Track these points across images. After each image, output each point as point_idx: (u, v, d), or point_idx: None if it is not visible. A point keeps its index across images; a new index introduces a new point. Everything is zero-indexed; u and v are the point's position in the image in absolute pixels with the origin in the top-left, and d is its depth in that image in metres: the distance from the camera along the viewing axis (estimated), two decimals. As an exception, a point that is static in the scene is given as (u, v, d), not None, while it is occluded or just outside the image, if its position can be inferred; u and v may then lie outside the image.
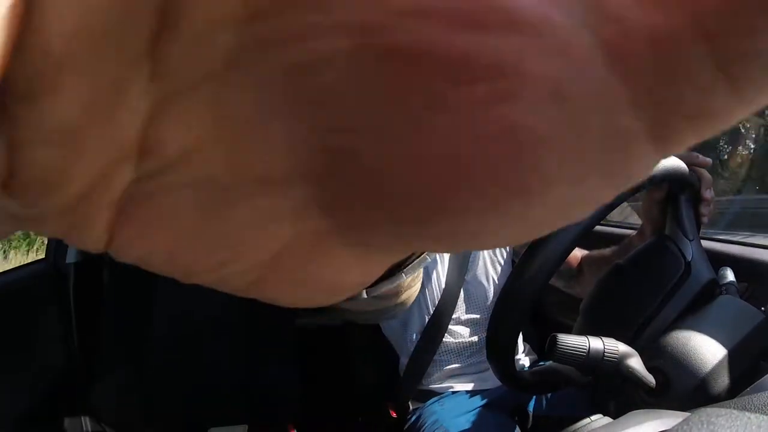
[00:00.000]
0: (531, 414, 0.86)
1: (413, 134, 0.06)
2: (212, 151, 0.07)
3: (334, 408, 1.13)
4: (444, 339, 0.90)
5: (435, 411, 0.84)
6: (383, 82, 0.06)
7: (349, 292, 0.10)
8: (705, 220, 0.59)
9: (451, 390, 0.89)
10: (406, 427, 0.88)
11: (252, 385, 1.07)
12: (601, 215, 0.45)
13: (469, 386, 0.89)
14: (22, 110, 0.06)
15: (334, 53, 0.06)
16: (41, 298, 1.10)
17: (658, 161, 0.07)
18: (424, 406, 0.86)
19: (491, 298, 0.92)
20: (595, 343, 0.46)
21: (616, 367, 0.46)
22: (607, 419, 0.51)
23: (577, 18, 0.06)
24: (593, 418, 0.64)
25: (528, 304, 0.46)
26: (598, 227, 0.46)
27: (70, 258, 1.18)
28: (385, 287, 0.22)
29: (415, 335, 0.91)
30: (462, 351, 0.90)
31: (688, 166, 0.54)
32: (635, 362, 0.46)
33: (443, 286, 0.90)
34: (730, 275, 0.56)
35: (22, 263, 1.21)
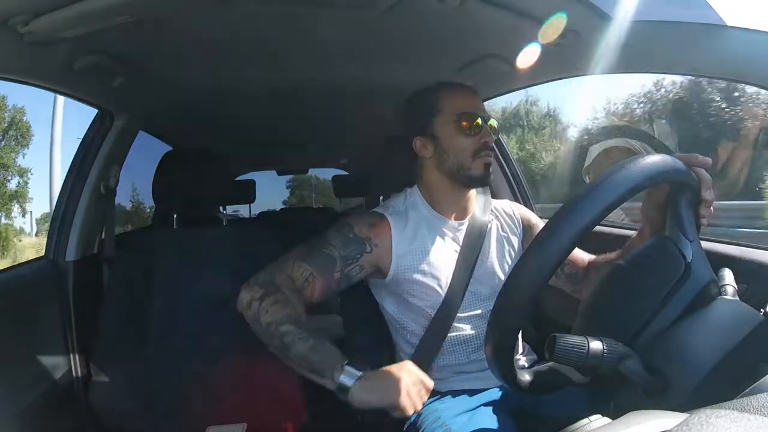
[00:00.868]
0: (531, 415, 0.86)
1: None
2: None
3: (334, 407, 1.13)
4: (448, 334, 0.89)
5: (436, 409, 0.84)
6: None
7: None
8: (705, 221, 0.59)
9: (452, 389, 0.89)
10: (407, 425, 0.88)
11: (251, 384, 1.07)
12: (601, 215, 0.45)
13: (470, 385, 0.89)
14: None
15: None
16: (41, 295, 1.10)
17: None
18: (424, 405, 0.86)
19: (493, 292, 0.92)
20: (595, 344, 0.46)
21: (615, 367, 0.46)
22: (606, 420, 0.52)
23: None
24: (592, 418, 0.64)
25: (527, 304, 0.46)
26: (598, 227, 0.46)
27: (70, 256, 1.18)
28: None
29: (419, 330, 0.91)
30: (464, 347, 0.90)
31: (687, 167, 0.54)
32: (635, 363, 0.46)
33: (449, 282, 0.89)
34: (729, 276, 0.56)
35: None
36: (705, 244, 0.66)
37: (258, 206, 3.07)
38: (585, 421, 0.51)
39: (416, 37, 1.06)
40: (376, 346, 0.98)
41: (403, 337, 0.93)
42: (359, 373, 0.68)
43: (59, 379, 1.08)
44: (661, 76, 7.52)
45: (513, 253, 0.98)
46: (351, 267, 0.85)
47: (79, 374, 1.12)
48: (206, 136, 2.03)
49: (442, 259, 0.90)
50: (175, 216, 1.32)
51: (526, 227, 1.01)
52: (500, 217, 1.00)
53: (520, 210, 1.04)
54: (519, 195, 1.59)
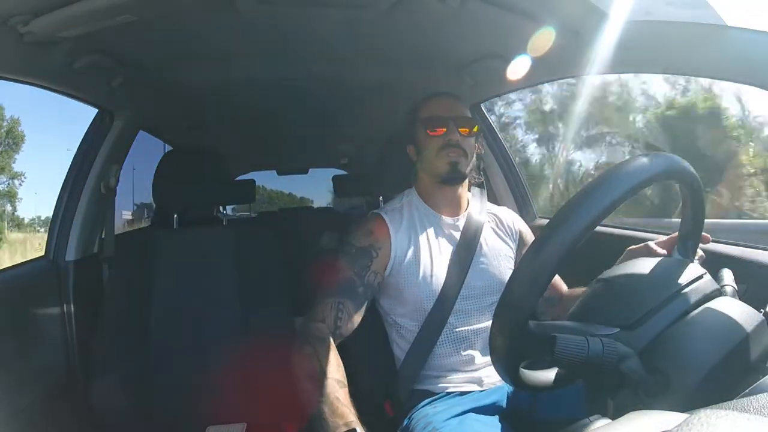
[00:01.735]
0: (525, 418, 0.86)
1: None
2: None
3: None
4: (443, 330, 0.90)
5: (426, 414, 0.84)
6: None
7: None
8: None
9: (446, 390, 0.89)
10: (399, 430, 0.88)
11: (251, 384, 1.07)
12: (602, 215, 0.45)
13: (464, 387, 0.89)
14: None
15: None
16: (41, 295, 1.10)
17: None
18: (416, 409, 0.86)
19: (489, 291, 0.93)
20: (595, 344, 0.46)
21: (615, 367, 0.46)
22: (606, 420, 0.51)
23: None
24: (592, 418, 0.64)
25: (532, 303, 0.46)
26: (598, 227, 0.46)
27: (70, 256, 1.18)
28: None
29: (414, 327, 0.91)
30: (457, 344, 0.91)
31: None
32: (635, 362, 0.46)
33: (445, 276, 0.91)
34: (729, 276, 0.56)
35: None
36: (705, 244, 0.66)
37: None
38: (584, 421, 0.51)
39: (417, 37, 1.06)
40: (373, 344, 0.98)
41: (398, 333, 0.94)
42: None
43: (59, 378, 1.08)
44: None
45: (510, 255, 1.00)
46: (366, 276, 0.89)
47: (79, 374, 1.12)
48: (206, 136, 2.03)
49: (438, 252, 0.92)
50: (175, 216, 1.32)
51: (521, 241, 1.03)
52: (497, 221, 1.02)
53: (518, 223, 1.06)
54: (520, 198, 1.59)
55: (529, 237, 1.05)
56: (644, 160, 0.48)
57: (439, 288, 0.90)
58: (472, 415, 0.83)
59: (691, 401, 0.39)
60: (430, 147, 0.94)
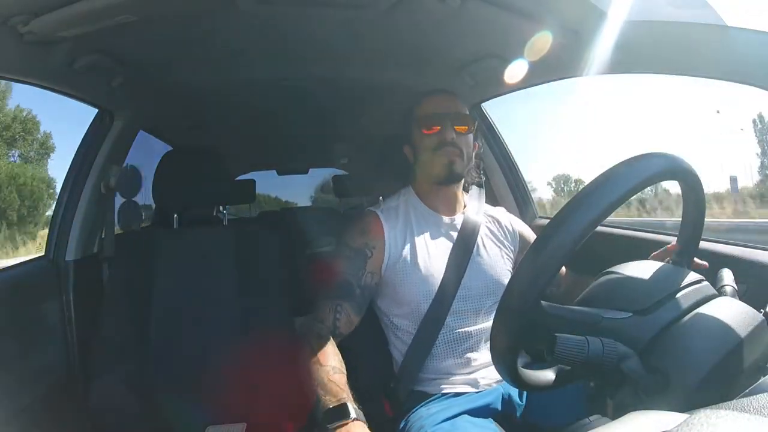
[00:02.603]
0: (519, 420, 0.86)
1: None
2: None
3: None
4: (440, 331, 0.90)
5: (421, 416, 0.84)
6: None
7: None
8: None
9: (443, 392, 0.89)
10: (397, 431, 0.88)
11: (251, 384, 1.07)
12: (603, 215, 0.45)
13: (460, 388, 0.89)
14: None
15: None
16: (41, 295, 1.10)
17: None
18: (412, 411, 0.86)
19: (486, 292, 0.93)
20: (595, 343, 0.46)
21: (615, 367, 0.46)
22: (606, 420, 0.51)
23: None
24: (592, 418, 0.64)
25: (533, 302, 0.46)
26: (599, 228, 0.46)
27: (70, 256, 1.18)
28: None
29: (411, 327, 0.91)
30: (454, 345, 0.90)
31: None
32: (635, 362, 0.46)
33: (442, 275, 0.90)
34: (729, 276, 0.56)
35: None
36: (705, 244, 0.66)
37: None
38: (584, 420, 0.52)
39: (417, 37, 1.06)
40: (372, 346, 0.98)
41: (396, 335, 0.94)
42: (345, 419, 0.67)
43: (59, 378, 1.08)
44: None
45: (509, 256, 1.00)
46: (363, 278, 0.89)
47: (79, 374, 1.12)
48: (206, 136, 2.03)
49: (435, 250, 0.92)
50: (175, 216, 1.32)
51: (522, 241, 1.03)
52: (494, 222, 1.02)
53: (516, 224, 1.06)
54: (520, 198, 1.58)
55: (530, 235, 1.05)
56: (645, 159, 0.48)
57: (436, 288, 0.90)
58: (466, 416, 0.83)
59: (691, 401, 0.39)
60: (425, 146, 0.93)
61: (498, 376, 0.77)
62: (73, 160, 1.27)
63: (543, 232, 0.46)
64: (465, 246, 0.94)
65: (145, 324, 1.16)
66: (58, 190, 1.28)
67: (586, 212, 0.44)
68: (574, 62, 0.96)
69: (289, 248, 1.47)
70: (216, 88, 1.38)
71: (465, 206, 0.99)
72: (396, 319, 0.93)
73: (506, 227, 1.03)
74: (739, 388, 0.42)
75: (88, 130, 1.29)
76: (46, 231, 1.24)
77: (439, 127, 0.92)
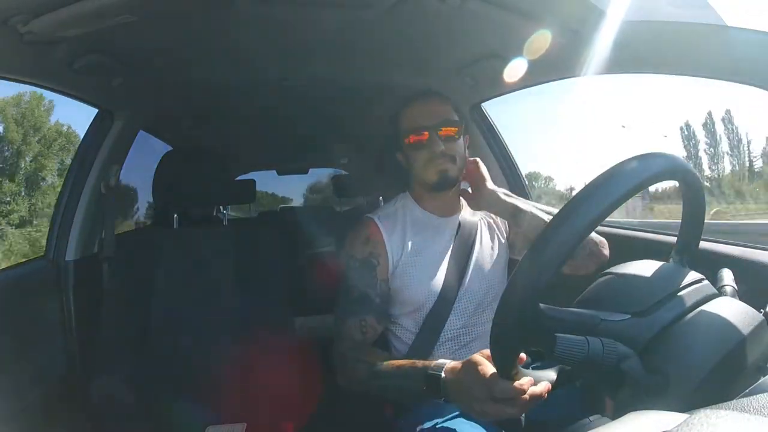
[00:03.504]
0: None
1: None
2: None
3: (332, 407, 1.13)
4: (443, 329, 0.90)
5: (418, 415, 0.84)
6: None
7: None
8: None
9: None
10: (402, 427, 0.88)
11: (251, 384, 1.07)
12: (603, 215, 0.45)
13: None
14: None
15: None
16: (41, 295, 1.10)
17: None
18: (411, 413, 0.86)
19: (486, 291, 0.93)
20: (595, 343, 0.46)
21: (615, 367, 0.45)
22: (606, 420, 0.51)
23: None
24: (592, 418, 0.64)
25: (532, 302, 0.46)
26: (599, 227, 0.46)
27: (70, 256, 1.18)
28: None
29: (413, 327, 0.92)
30: (453, 342, 0.91)
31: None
32: (635, 362, 0.46)
33: (444, 276, 0.91)
34: (729, 276, 0.56)
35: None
36: (705, 244, 0.66)
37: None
38: (584, 420, 0.51)
39: (417, 37, 1.06)
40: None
41: (395, 335, 0.94)
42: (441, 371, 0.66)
43: (59, 378, 1.08)
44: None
45: (506, 256, 1.00)
46: (377, 287, 0.90)
47: (80, 374, 1.12)
48: (206, 136, 2.03)
49: (436, 252, 0.93)
50: (175, 216, 1.32)
51: (510, 238, 1.02)
52: (493, 222, 1.03)
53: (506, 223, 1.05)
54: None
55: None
56: (646, 159, 0.48)
57: (439, 288, 0.90)
58: (463, 416, 0.82)
59: (691, 401, 0.39)
60: (416, 158, 0.93)
61: None
62: (73, 160, 1.27)
63: (543, 231, 0.46)
64: (464, 246, 0.94)
65: (145, 324, 1.16)
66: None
67: (586, 212, 0.44)
68: (574, 62, 0.96)
69: (289, 248, 1.47)
70: (216, 88, 1.38)
71: (462, 207, 1.00)
72: (397, 320, 0.93)
73: (504, 227, 1.03)
74: (739, 388, 0.42)
75: (88, 130, 1.29)
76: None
77: (425, 138, 0.91)
